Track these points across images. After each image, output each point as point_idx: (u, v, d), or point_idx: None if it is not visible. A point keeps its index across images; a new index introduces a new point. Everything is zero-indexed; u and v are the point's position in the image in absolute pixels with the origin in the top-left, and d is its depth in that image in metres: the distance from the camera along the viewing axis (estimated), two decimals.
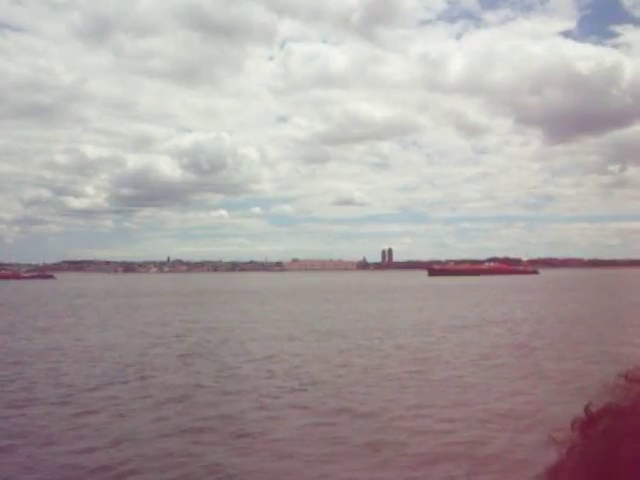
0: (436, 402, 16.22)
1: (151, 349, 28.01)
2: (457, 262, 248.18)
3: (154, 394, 17.84)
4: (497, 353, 24.98)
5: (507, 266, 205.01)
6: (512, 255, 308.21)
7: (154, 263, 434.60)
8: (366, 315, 44.81)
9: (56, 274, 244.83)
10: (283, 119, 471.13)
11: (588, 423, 0.85)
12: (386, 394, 17.44)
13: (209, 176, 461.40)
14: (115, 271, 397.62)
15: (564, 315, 41.91)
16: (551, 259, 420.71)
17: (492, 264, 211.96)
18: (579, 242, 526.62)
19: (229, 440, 13.17)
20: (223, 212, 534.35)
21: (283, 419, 14.72)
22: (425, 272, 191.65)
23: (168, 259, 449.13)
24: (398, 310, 49.77)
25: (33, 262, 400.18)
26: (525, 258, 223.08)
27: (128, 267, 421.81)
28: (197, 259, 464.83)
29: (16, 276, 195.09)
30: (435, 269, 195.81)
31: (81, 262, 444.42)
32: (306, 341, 30.59)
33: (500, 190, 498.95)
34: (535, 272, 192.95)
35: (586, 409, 0.87)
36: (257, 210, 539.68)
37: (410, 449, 12.27)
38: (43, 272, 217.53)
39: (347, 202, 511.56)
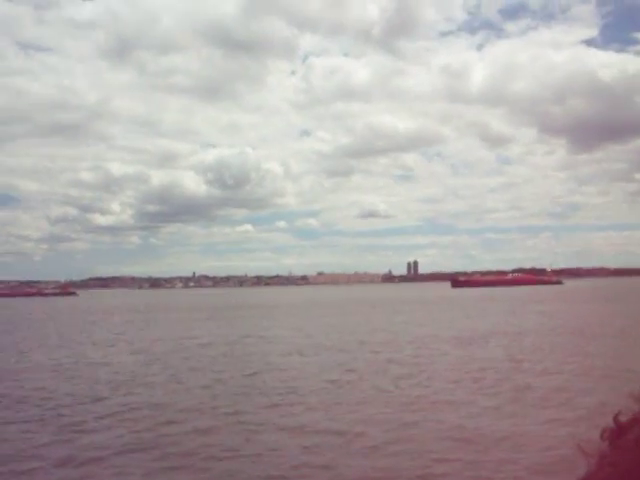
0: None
1: (139, 367, 27.83)
2: (483, 273, 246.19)
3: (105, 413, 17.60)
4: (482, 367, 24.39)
5: (531, 277, 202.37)
6: (538, 265, 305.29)
7: (180, 278, 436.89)
8: (369, 328, 44.29)
9: (81, 291, 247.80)
10: (306, 133, 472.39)
11: (618, 433, 0.83)
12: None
13: (233, 191, 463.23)
14: (140, 287, 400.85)
15: (574, 326, 40.99)
16: (577, 269, 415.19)
17: (516, 275, 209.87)
18: (606, 251, 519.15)
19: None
20: (248, 227, 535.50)
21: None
22: (449, 284, 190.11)
23: (194, 274, 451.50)
24: (407, 323, 49.13)
25: (60, 279, 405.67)
26: (549, 268, 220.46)
27: (154, 283, 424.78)
28: (223, 274, 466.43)
29: (40, 293, 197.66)
30: (459, 280, 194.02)
31: (107, 279, 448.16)
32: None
33: (525, 200, 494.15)
34: (559, 282, 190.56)
35: (615, 419, 0.84)
36: (282, 224, 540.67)
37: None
38: (65, 289, 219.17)
39: (371, 215, 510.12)
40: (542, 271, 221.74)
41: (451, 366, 24.95)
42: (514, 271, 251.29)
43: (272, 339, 38.70)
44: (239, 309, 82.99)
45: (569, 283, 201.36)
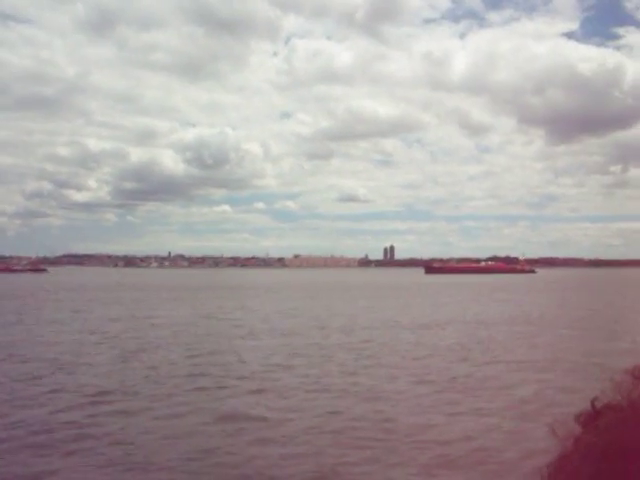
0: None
1: (87, 347, 27.43)
2: (459, 260, 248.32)
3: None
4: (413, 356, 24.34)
5: (504, 265, 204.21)
6: (514, 254, 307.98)
7: (155, 258, 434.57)
8: (330, 313, 44.13)
9: (54, 268, 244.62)
10: (287, 115, 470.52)
11: (593, 417, 0.85)
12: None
13: (212, 171, 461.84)
14: (116, 265, 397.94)
15: (533, 316, 41.08)
16: (552, 258, 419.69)
17: (489, 263, 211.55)
18: (581, 242, 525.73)
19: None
20: (226, 207, 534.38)
21: None
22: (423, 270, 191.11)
23: (169, 254, 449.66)
24: (370, 308, 49.06)
25: (34, 255, 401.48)
26: (522, 257, 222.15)
27: (129, 261, 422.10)
28: (199, 254, 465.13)
29: (8, 269, 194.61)
30: (432, 267, 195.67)
31: (82, 256, 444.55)
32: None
33: (503, 189, 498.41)
34: (532, 271, 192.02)
35: (592, 403, 0.87)
36: (260, 205, 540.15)
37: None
38: (36, 266, 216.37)
39: (351, 199, 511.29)
40: (515, 260, 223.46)
41: (398, 353, 24.81)
42: (489, 259, 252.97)
43: (231, 321, 38.37)
44: (207, 290, 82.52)
45: (542, 272, 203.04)
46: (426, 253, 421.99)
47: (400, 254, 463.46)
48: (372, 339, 29.29)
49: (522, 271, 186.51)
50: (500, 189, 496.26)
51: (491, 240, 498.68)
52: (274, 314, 43.22)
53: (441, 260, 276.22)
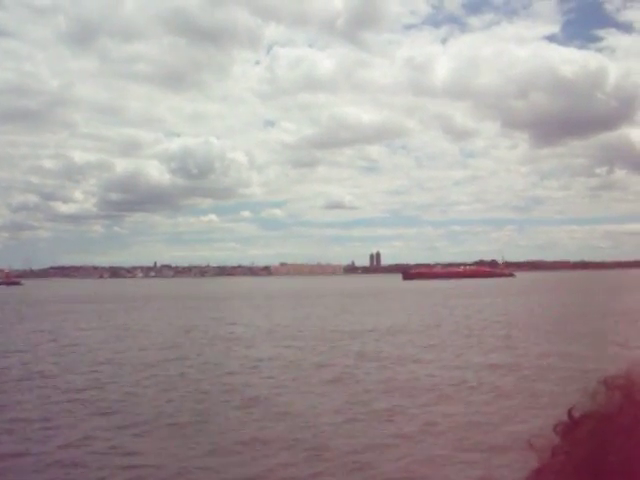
0: None
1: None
2: (444, 265, 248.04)
3: None
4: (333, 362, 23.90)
5: (483, 269, 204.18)
6: (502, 258, 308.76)
7: (141, 268, 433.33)
8: (266, 322, 43.67)
9: (39, 281, 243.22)
10: (271, 123, 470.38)
11: (572, 427, 0.86)
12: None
13: (198, 181, 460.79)
14: (101, 276, 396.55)
15: (489, 321, 40.31)
16: (538, 262, 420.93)
17: (468, 267, 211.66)
18: (569, 245, 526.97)
19: None
20: (213, 216, 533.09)
21: None
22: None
23: (155, 264, 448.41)
24: (316, 317, 48.54)
25: (21, 268, 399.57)
26: (502, 261, 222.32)
27: (115, 272, 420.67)
28: (186, 264, 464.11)
29: None
30: (410, 273, 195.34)
31: (68, 268, 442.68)
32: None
33: (489, 193, 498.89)
34: (511, 275, 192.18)
35: (569, 413, 0.87)
36: (247, 214, 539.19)
37: None
38: (10, 279, 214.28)
39: (337, 206, 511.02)
40: (495, 264, 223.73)
41: (317, 363, 24.36)
42: (475, 263, 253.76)
43: (147, 332, 37.64)
44: (169, 299, 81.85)
45: (522, 276, 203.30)
46: (413, 259, 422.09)
47: (387, 260, 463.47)
48: (290, 348, 28.85)
49: (501, 275, 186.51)
50: (486, 193, 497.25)
51: (478, 244, 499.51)
52: (198, 324, 42.66)
53: (427, 265, 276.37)
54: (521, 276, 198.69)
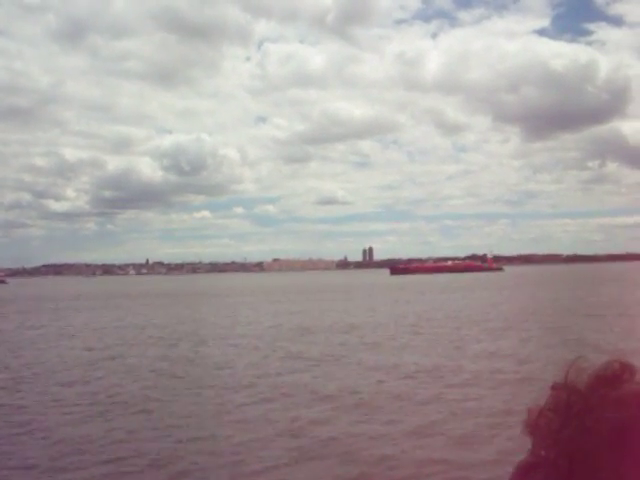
0: None
1: None
2: (436, 260, 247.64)
3: None
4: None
5: (471, 264, 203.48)
6: (493, 252, 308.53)
7: (133, 265, 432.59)
8: (230, 320, 42.92)
9: (30, 279, 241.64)
10: (262, 119, 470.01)
11: (533, 424, 0.86)
12: None
13: (190, 177, 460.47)
14: (94, 274, 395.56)
15: (445, 318, 39.44)
16: (530, 255, 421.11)
17: (456, 262, 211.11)
18: (562, 238, 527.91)
19: None
20: (206, 213, 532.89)
21: None
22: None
23: (147, 261, 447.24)
24: (278, 313, 47.81)
25: (14, 266, 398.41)
26: (490, 256, 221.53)
27: (107, 270, 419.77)
28: (180, 260, 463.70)
29: None
30: (397, 268, 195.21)
31: (60, 265, 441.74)
32: None
33: (482, 187, 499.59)
34: (500, 269, 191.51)
35: (528, 411, 0.87)
36: (240, 210, 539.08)
37: None
38: None
39: (330, 201, 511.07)
40: (484, 258, 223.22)
41: (250, 362, 23.68)
42: (467, 258, 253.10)
43: (87, 332, 36.81)
44: (142, 297, 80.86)
45: (511, 270, 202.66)
46: (406, 253, 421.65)
47: (381, 255, 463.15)
48: (237, 345, 28.13)
49: (490, 269, 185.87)
50: (478, 187, 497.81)
51: (471, 239, 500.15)
52: (163, 322, 41.85)
53: (419, 260, 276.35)
54: (510, 270, 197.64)
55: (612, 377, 0.83)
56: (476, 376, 19.08)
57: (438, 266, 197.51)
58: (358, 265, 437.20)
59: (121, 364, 24.08)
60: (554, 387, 0.86)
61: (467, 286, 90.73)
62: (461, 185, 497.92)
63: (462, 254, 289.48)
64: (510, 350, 24.29)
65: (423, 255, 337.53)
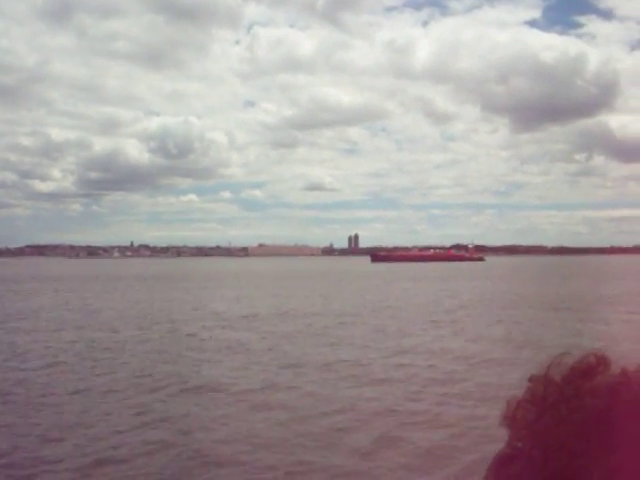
0: None
1: None
2: (421, 248, 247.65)
3: None
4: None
5: (452, 253, 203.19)
6: (479, 242, 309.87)
7: (118, 248, 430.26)
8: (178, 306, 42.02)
9: (10, 259, 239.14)
10: (251, 103, 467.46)
11: (511, 417, 0.87)
12: None
13: (177, 160, 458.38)
14: (77, 255, 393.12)
15: (395, 308, 38.67)
16: (515, 246, 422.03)
17: (437, 251, 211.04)
18: (548, 230, 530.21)
19: None
20: (193, 196, 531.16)
21: None
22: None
23: (131, 244, 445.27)
24: (231, 300, 46.95)
25: None
26: (471, 245, 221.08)
27: (91, 252, 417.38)
28: (165, 244, 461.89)
29: None
30: (378, 255, 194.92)
31: (44, 247, 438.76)
32: None
33: (469, 177, 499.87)
34: (481, 259, 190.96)
35: (507, 403, 0.88)
36: (227, 195, 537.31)
37: None
38: None
39: (317, 187, 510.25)
40: (465, 248, 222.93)
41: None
42: (452, 247, 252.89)
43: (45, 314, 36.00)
44: (113, 280, 79.85)
45: (493, 260, 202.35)
46: (393, 241, 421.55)
47: (367, 242, 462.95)
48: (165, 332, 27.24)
49: (470, 259, 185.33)
50: (466, 177, 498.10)
51: (458, 228, 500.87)
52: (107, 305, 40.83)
53: (406, 248, 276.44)
54: (492, 260, 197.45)
55: (587, 369, 0.84)
56: (368, 372, 18.37)
57: (419, 255, 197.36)
58: (343, 252, 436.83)
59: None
60: (531, 379, 0.87)
61: (442, 276, 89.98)
62: (449, 174, 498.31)
63: (448, 243, 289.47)
64: (421, 347, 23.39)
65: (409, 244, 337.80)
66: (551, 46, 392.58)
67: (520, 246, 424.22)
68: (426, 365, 19.04)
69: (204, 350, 22.69)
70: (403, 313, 35.09)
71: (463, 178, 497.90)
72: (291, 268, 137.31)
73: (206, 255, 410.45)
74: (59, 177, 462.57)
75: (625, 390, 0.80)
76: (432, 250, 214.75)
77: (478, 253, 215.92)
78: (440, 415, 13.34)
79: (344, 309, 37.58)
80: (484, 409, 12.78)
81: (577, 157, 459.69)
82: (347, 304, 41.32)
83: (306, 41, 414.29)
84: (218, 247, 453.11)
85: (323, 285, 67.19)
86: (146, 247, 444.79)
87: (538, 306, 38.21)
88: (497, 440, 0.89)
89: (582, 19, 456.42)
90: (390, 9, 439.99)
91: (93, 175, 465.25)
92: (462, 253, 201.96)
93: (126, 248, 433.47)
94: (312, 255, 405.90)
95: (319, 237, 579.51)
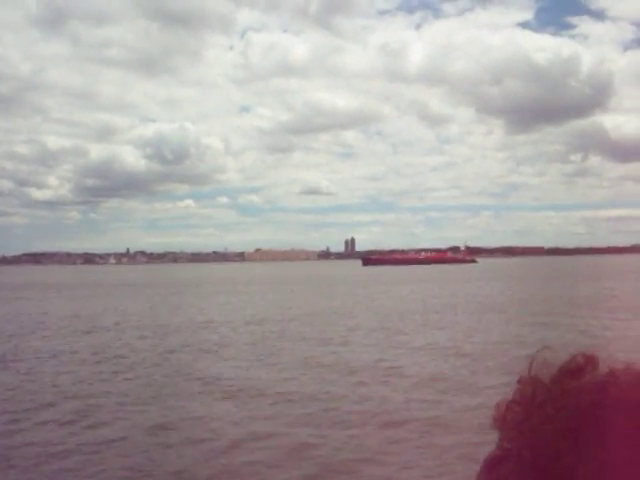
0: None
1: None
2: (418, 251, 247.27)
3: None
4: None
5: (444, 255, 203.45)
6: (477, 244, 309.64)
7: (114, 255, 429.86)
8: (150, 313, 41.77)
9: (8, 268, 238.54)
10: (246, 109, 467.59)
11: (501, 419, 0.87)
12: None
13: (173, 166, 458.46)
14: (74, 263, 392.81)
15: (374, 312, 38.41)
16: (511, 248, 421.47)
17: (429, 254, 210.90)
18: (545, 230, 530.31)
19: None
20: (190, 202, 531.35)
21: None
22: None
23: (127, 250, 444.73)
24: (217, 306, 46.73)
25: None
26: (464, 247, 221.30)
27: (88, 259, 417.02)
28: (162, 250, 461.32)
29: None
30: (370, 259, 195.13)
31: (41, 254, 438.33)
32: None
33: (466, 179, 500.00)
34: (473, 261, 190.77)
35: (496, 406, 0.88)
36: (224, 200, 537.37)
37: None
38: None
39: (314, 192, 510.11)
40: (457, 250, 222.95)
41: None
42: (449, 249, 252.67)
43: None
44: (92, 287, 79.56)
45: (487, 262, 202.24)
46: (391, 244, 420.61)
47: (365, 246, 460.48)
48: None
49: (463, 261, 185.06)
50: (462, 179, 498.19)
51: (455, 230, 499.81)
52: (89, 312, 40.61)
53: (403, 251, 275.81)
54: (486, 262, 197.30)
55: (575, 369, 0.84)
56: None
57: (411, 257, 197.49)
58: (340, 256, 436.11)
59: None
60: (520, 381, 0.87)
61: (430, 278, 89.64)
62: (445, 177, 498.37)
63: (445, 246, 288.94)
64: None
65: (406, 247, 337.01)
66: (544, 47, 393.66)
67: (517, 247, 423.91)
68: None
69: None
70: (350, 320, 34.16)
71: (459, 180, 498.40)
72: (280, 274, 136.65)
73: (202, 261, 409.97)
74: (55, 185, 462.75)
75: (612, 389, 0.80)
76: (424, 253, 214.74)
77: (471, 255, 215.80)
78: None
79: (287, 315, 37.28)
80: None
81: (573, 158, 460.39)
82: (302, 311, 40.63)
83: (300, 46, 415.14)
84: (214, 253, 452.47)
85: (299, 290, 66.62)
86: (142, 253, 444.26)
87: (507, 310, 37.69)
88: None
89: (574, 20, 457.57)
90: (383, 12, 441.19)
91: (89, 182, 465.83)
92: (455, 255, 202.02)
93: (122, 255, 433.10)
94: (308, 259, 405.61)
95: (316, 241, 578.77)
